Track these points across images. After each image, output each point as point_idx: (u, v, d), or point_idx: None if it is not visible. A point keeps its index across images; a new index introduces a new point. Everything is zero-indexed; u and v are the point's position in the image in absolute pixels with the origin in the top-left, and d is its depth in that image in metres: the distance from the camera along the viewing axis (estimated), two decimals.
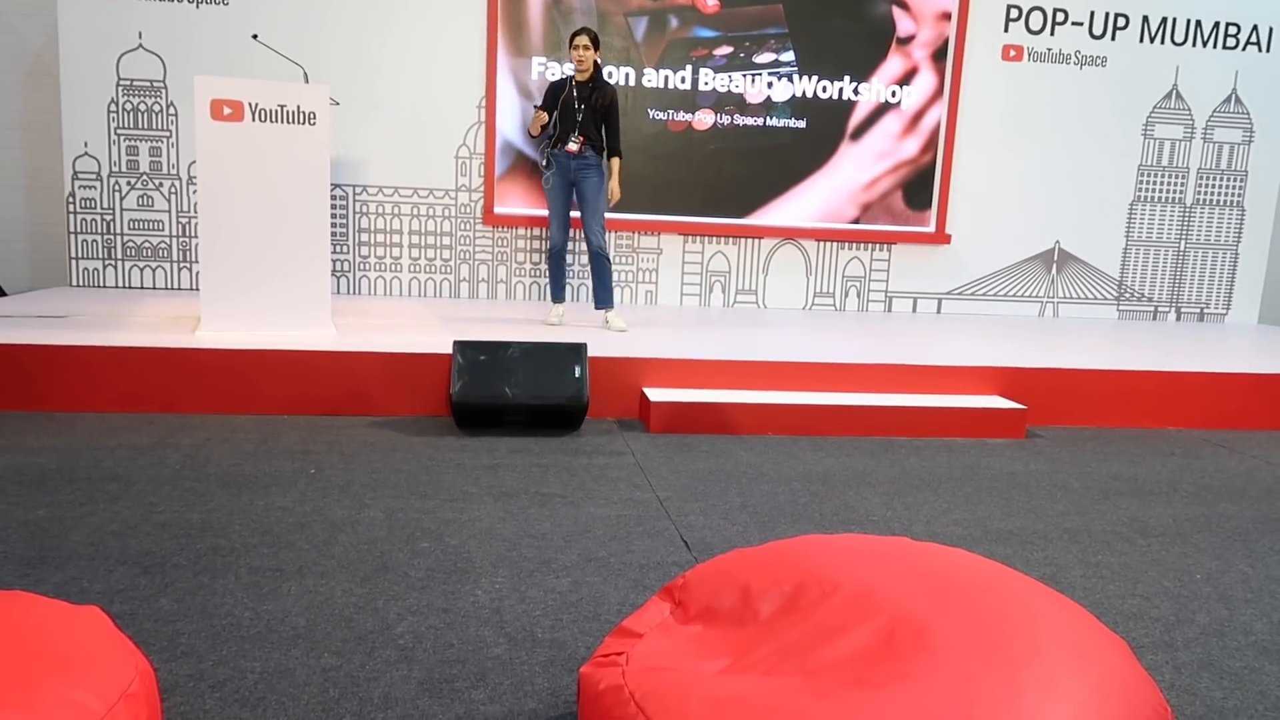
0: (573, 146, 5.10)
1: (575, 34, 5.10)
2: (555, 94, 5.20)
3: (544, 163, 5.25)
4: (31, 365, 4.03)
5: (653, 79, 6.47)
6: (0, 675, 1.30)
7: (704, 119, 6.55)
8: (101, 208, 6.15)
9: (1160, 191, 7.21)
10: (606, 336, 4.96)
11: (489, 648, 2.10)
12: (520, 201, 6.46)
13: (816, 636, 1.56)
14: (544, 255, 6.52)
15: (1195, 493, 3.61)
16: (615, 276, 6.64)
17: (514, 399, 4.03)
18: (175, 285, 6.29)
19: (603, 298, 5.32)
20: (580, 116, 5.11)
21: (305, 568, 2.49)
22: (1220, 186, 7.29)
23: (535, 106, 5.30)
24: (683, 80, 6.50)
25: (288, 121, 4.46)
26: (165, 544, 2.61)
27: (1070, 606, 1.60)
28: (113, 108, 6.06)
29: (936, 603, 1.54)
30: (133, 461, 3.36)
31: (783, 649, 1.58)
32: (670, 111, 6.51)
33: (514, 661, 2.05)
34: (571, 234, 5.80)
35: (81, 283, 6.20)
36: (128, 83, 6.05)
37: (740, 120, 6.58)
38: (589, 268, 5.45)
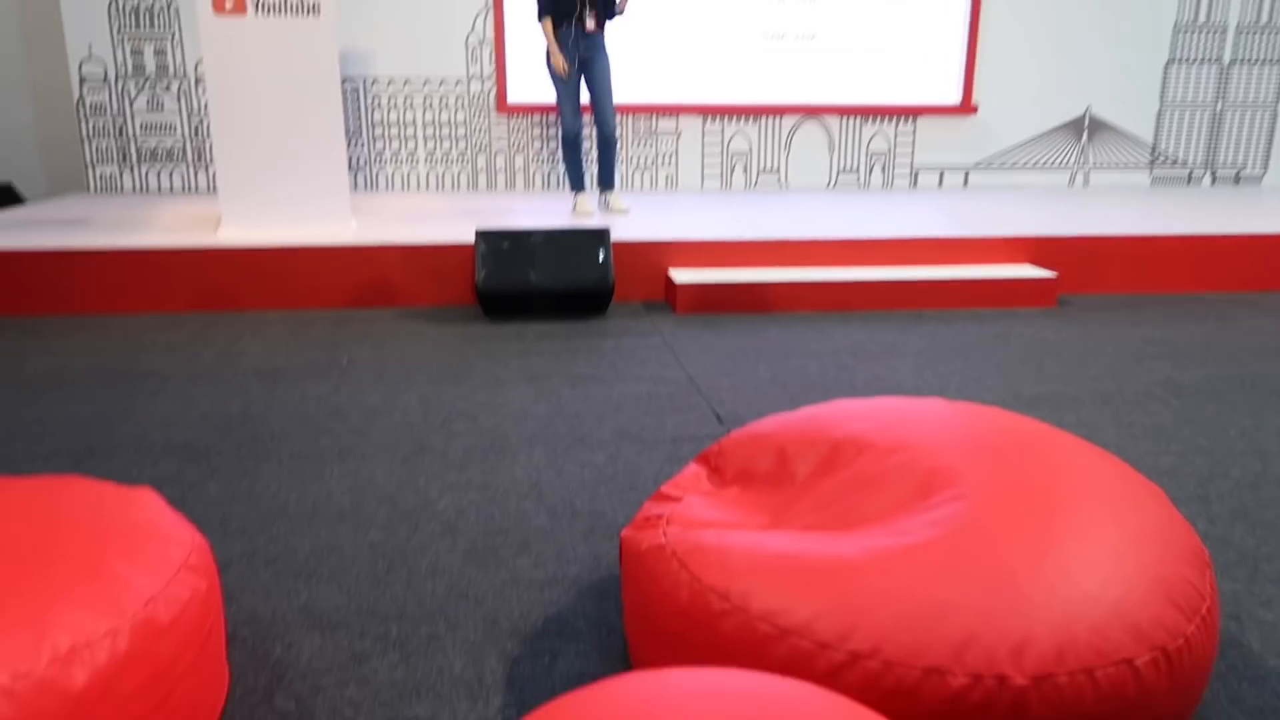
0: (590, 24, 4.94)
1: None
2: None
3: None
4: (61, 270, 4.06)
5: None
6: (61, 552, 1.34)
7: None
8: (112, 112, 6.08)
9: (1196, 51, 6.92)
10: (629, 221, 4.91)
11: (530, 519, 2.15)
12: (534, 89, 6.31)
13: (853, 492, 1.58)
14: (559, 144, 6.40)
15: (1230, 353, 3.58)
16: (636, 161, 6.53)
17: (539, 285, 4.02)
18: (193, 187, 6.26)
19: (607, 179, 5.26)
20: None
21: (345, 451, 2.54)
22: (1260, 43, 6.98)
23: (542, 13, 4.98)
24: None
25: (291, 14, 4.34)
26: (207, 434, 2.66)
27: (1106, 457, 1.61)
28: (114, 9, 5.92)
29: (972, 456, 1.55)
30: (168, 358, 3.40)
31: (820, 505, 1.60)
32: None
33: (555, 531, 2.10)
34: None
35: (99, 188, 6.18)
36: None
37: None
38: (594, 153, 5.35)
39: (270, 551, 2.00)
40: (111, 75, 6.00)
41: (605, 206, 5.28)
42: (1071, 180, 7.05)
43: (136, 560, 1.37)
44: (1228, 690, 1.57)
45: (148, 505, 1.54)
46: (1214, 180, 7.22)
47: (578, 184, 5.31)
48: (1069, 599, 1.24)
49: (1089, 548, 1.33)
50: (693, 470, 1.85)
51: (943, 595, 1.24)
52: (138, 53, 5.99)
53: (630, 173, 6.57)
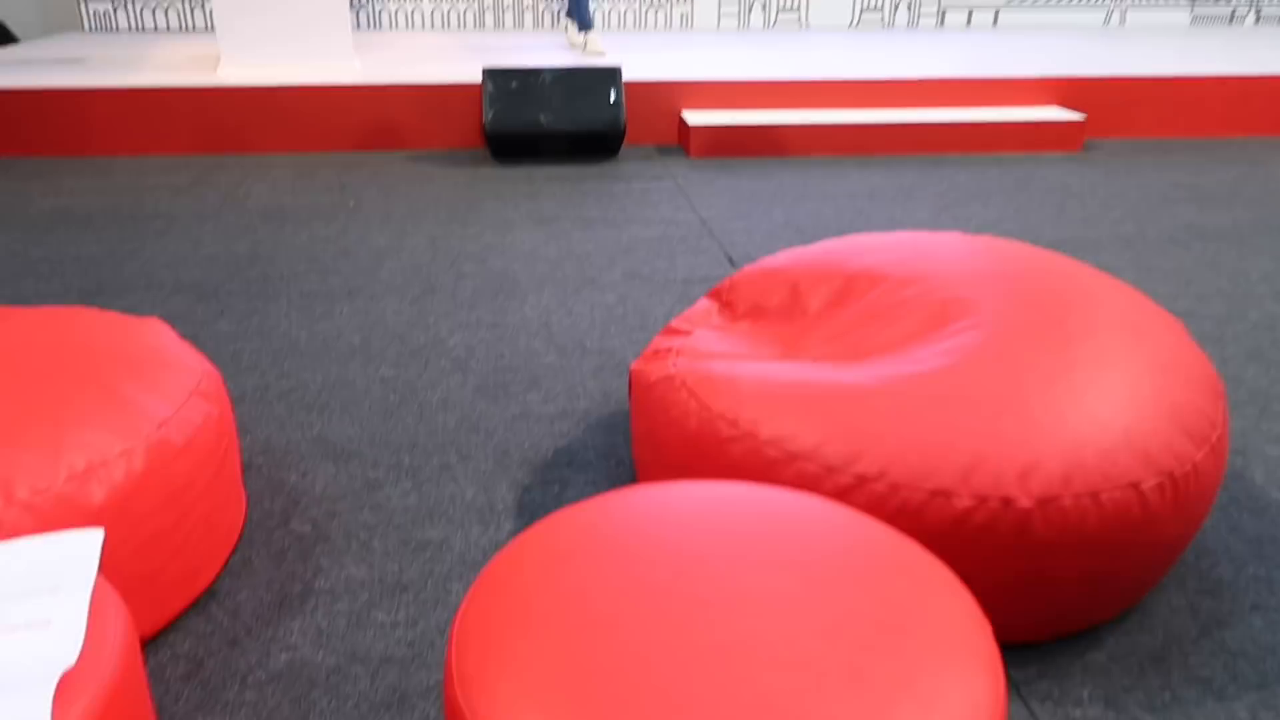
0: None
1: None
2: None
3: None
4: (59, 110, 3.96)
5: None
6: (74, 377, 1.35)
7: None
8: None
9: None
10: (642, 60, 4.72)
11: (539, 357, 2.15)
12: None
13: (866, 324, 1.56)
14: None
15: (1259, 198, 3.48)
16: None
17: (549, 126, 3.91)
18: (189, 25, 6.04)
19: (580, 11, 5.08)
20: None
21: (354, 291, 2.53)
22: None
23: None
24: None
25: None
26: (216, 274, 2.65)
27: (1125, 289, 1.57)
28: None
29: (989, 286, 1.52)
30: (173, 200, 3.36)
31: (832, 338, 1.58)
32: None
33: (564, 368, 2.10)
34: None
35: (94, 27, 5.96)
36: None
37: None
38: None
39: (282, 386, 2.02)
40: None
41: (566, 35, 5.22)
42: (1107, 19, 6.71)
43: (148, 386, 1.38)
44: (1228, 520, 1.59)
45: (157, 334, 1.54)
46: (1259, 19, 6.86)
47: (585, 21, 5.08)
48: (1079, 425, 1.23)
49: (1103, 375, 1.31)
50: (703, 305, 1.83)
51: (952, 421, 1.24)
52: None
53: (644, 10, 6.28)
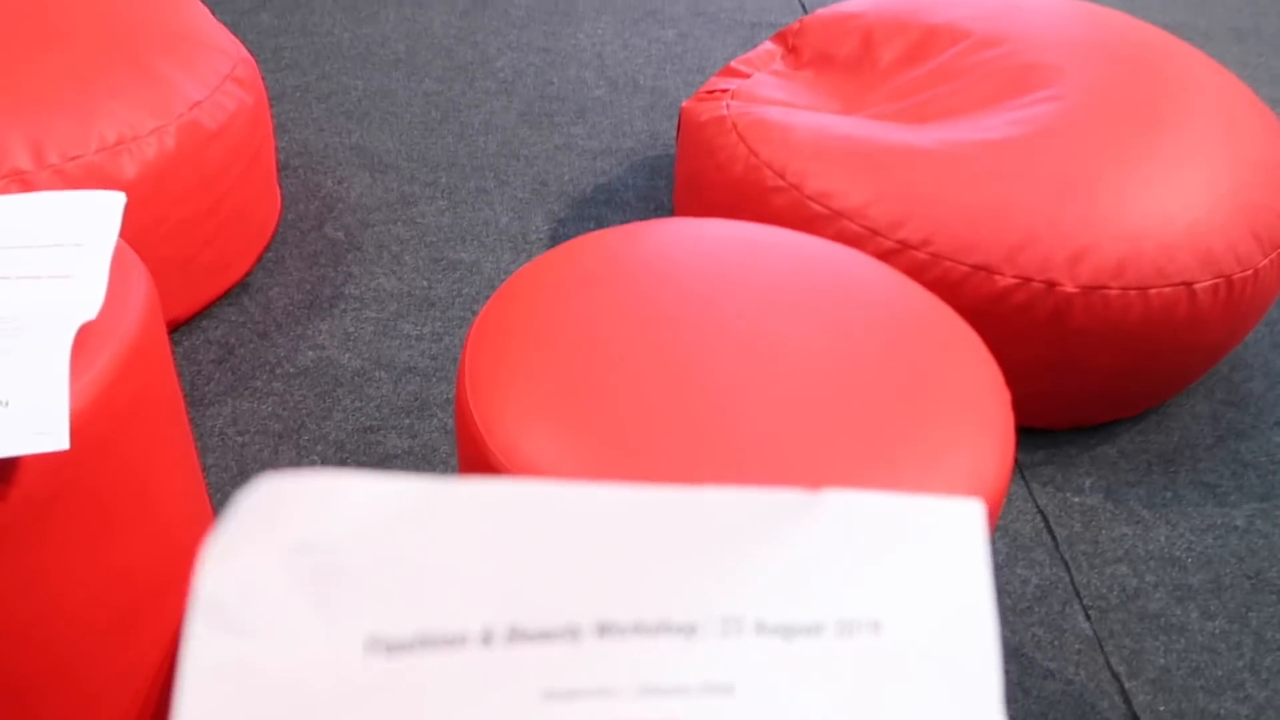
0: None
1: None
2: None
3: None
4: None
5: None
6: (103, 46, 1.29)
7: None
8: None
9: None
10: None
11: (589, 89, 2.06)
12: None
13: (939, 84, 1.45)
14: None
15: None
16: None
17: None
18: None
19: None
20: None
21: None
22: None
23: None
24: None
25: None
26: None
27: (1228, 78, 1.44)
28: None
29: (1078, 56, 1.40)
30: None
31: (900, 95, 1.48)
32: None
33: (614, 103, 2.01)
34: None
35: None
36: None
37: None
38: None
39: (322, 89, 1.95)
40: None
41: None
42: None
43: (181, 65, 1.33)
44: (1273, 335, 1.54)
45: (193, 11, 1.47)
46: None
47: None
48: (1143, 214, 1.17)
49: (1182, 165, 1.23)
50: (767, 48, 1.72)
51: (1009, 194, 1.18)
52: None
53: None
